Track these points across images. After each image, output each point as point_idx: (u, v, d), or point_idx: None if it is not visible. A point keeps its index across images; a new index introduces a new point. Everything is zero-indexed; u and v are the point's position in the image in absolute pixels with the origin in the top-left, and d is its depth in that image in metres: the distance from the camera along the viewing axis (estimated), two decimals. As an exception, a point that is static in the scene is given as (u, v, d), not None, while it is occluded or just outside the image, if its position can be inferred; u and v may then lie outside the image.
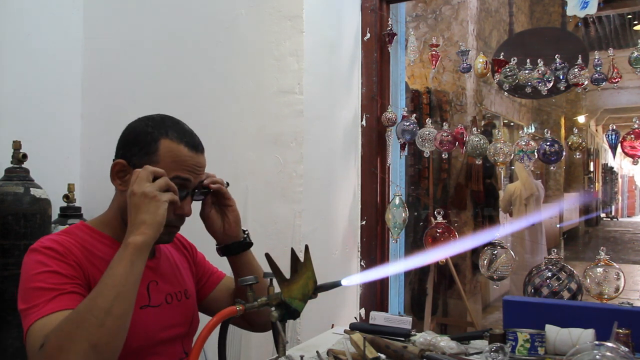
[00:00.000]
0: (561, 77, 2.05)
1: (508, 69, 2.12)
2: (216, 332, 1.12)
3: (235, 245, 1.32)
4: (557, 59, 2.05)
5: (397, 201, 2.23)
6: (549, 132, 2.01)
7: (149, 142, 1.15)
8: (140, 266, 1.03)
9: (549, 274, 1.88)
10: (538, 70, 2.06)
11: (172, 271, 1.29)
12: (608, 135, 1.94)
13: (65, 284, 1.03)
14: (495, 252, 2.01)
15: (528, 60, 2.10)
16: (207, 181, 1.25)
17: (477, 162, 2.16)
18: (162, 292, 1.23)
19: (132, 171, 1.13)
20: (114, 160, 1.18)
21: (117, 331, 0.97)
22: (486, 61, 2.18)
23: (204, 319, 1.18)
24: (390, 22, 2.34)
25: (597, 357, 1.12)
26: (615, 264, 1.85)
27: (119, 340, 0.98)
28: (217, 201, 1.30)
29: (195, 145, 1.19)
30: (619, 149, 1.95)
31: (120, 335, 0.98)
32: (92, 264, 1.11)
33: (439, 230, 2.19)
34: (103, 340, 0.94)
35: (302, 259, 1.14)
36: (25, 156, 2.07)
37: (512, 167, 6.65)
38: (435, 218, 2.22)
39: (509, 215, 5.30)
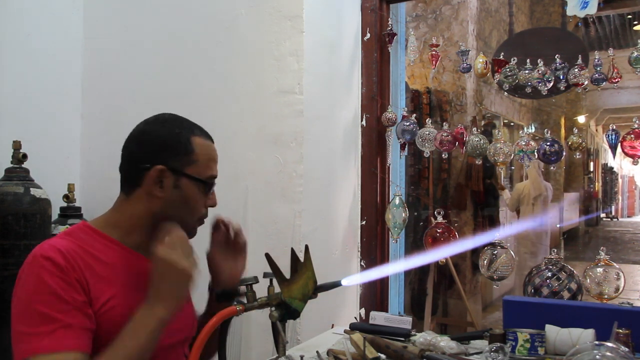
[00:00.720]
0: (561, 77, 2.04)
1: (508, 69, 2.12)
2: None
3: (233, 292, 1.27)
4: (557, 59, 2.05)
5: (397, 201, 2.23)
6: (549, 132, 2.01)
7: (183, 142, 1.15)
8: (158, 336, 1.04)
9: (549, 274, 1.88)
10: (538, 70, 2.05)
11: None
12: (608, 135, 1.94)
13: (65, 312, 1.00)
14: (495, 252, 2.01)
15: (528, 60, 2.09)
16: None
17: (477, 162, 2.16)
18: None
19: (169, 175, 1.12)
20: (147, 167, 1.13)
21: None
22: (486, 61, 2.18)
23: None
24: (390, 22, 2.34)
25: (597, 357, 1.12)
26: (615, 264, 1.85)
27: None
28: (231, 244, 1.31)
29: (210, 136, 1.22)
30: (619, 149, 1.95)
31: None
32: (94, 273, 1.08)
33: (439, 230, 2.19)
34: None
35: (302, 259, 1.14)
36: (25, 156, 2.07)
37: (512, 167, 6.65)
38: (435, 218, 2.22)
39: (516, 214, 5.32)
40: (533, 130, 7.02)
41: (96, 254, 1.11)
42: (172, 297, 1.05)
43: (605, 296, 1.83)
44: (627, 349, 1.18)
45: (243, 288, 1.15)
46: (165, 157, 1.13)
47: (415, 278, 4.24)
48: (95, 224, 1.18)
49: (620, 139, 1.92)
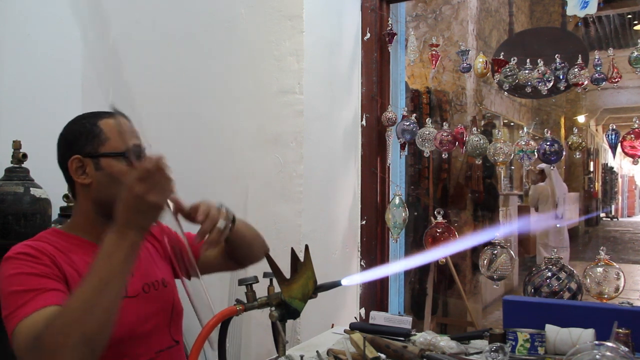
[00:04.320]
0: (561, 77, 2.05)
1: (508, 69, 2.12)
2: (216, 331, 1.12)
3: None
4: (557, 59, 2.05)
5: (397, 201, 2.23)
6: (549, 132, 2.01)
7: (89, 128, 1.20)
8: (133, 261, 1.02)
9: (549, 274, 1.88)
10: (538, 70, 2.06)
11: (146, 262, 1.29)
12: (608, 135, 1.94)
13: (38, 282, 1.04)
14: (495, 251, 2.01)
15: (528, 60, 2.10)
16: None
17: (477, 162, 2.16)
18: (139, 283, 1.22)
19: (87, 161, 1.16)
20: (63, 162, 1.21)
21: (108, 321, 0.97)
22: (486, 61, 2.18)
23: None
24: (390, 22, 2.34)
25: (597, 357, 1.12)
26: (615, 264, 1.85)
27: (109, 330, 0.98)
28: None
29: (121, 114, 1.20)
30: (619, 149, 1.95)
31: (110, 325, 0.98)
32: (68, 264, 1.11)
33: (439, 230, 2.19)
34: (95, 331, 0.94)
35: (302, 258, 1.14)
36: (25, 156, 2.07)
37: (512, 167, 6.65)
38: (435, 218, 2.22)
39: (535, 210, 5.47)
40: (532, 129, 7.02)
41: (66, 252, 1.13)
42: (142, 225, 1.03)
43: (605, 296, 1.83)
44: (627, 349, 1.18)
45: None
46: (78, 148, 1.19)
47: (415, 278, 4.24)
48: (62, 228, 1.24)
49: (620, 139, 1.92)
